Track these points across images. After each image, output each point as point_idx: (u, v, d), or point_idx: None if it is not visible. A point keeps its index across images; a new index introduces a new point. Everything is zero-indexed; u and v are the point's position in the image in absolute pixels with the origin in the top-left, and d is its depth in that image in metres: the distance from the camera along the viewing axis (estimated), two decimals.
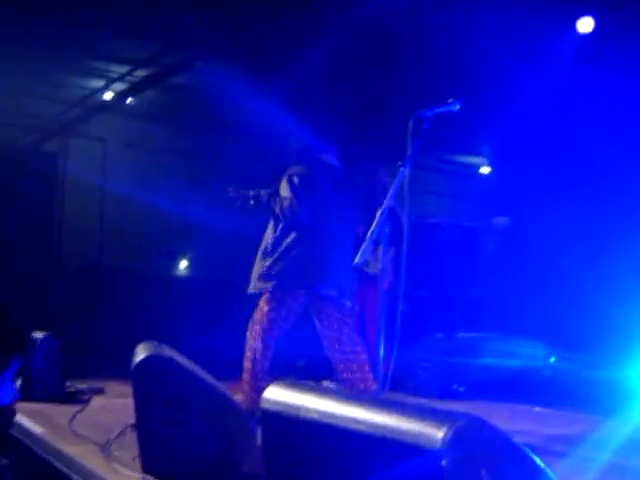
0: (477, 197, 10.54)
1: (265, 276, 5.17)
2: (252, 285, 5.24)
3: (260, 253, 5.27)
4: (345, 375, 5.21)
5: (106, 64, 9.35)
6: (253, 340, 5.17)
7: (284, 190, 5.16)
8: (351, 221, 5.43)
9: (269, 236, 5.26)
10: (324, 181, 5.28)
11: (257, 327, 5.19)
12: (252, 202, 5.24)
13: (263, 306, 5.20)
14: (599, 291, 7.05)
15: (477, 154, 12.80)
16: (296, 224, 5.13)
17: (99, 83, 9.94)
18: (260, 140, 9.59)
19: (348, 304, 5.29)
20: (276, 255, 5.16)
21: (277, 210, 5.13)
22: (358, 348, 5.24)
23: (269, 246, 5.24)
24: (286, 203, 5.10)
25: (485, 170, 13.02)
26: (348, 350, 5.20)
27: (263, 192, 5.26)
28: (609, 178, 7.60)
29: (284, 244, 5.16)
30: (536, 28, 7.10)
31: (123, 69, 9.48)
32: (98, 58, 9.14)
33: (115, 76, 9.70)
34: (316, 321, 5.30)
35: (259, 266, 5.23)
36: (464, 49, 7.30)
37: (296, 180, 5.17)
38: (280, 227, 5.21)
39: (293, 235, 5.15)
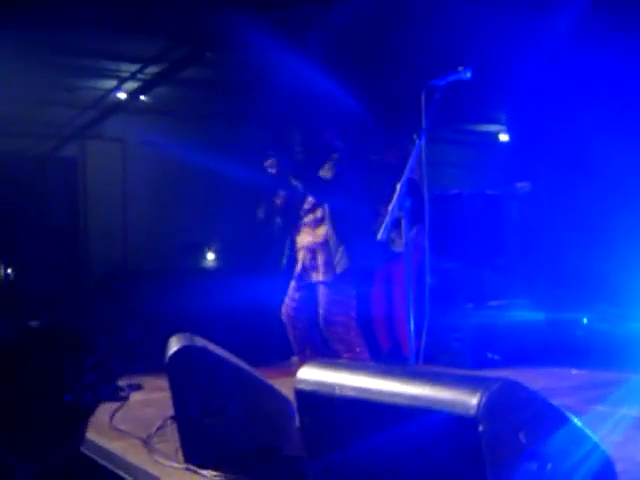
0: (496, 165, 10.46)
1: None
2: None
3: None
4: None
5: (115, 64, 9.37)
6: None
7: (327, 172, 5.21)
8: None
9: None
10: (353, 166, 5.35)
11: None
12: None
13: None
14: (627, 246, 6.97)
15: (494, 122, 12.69)
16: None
17: (111, 83, 9.96)
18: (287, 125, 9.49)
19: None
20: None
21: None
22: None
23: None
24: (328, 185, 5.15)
25: (504, 137, 12.89)
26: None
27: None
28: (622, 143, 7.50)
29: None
30: None
31: (133, 67, 9.49)
32: (107, 58, 9.16)
33: (126, 75, 9.71)
34: None
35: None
36: (473, 17, 7.25)
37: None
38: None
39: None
